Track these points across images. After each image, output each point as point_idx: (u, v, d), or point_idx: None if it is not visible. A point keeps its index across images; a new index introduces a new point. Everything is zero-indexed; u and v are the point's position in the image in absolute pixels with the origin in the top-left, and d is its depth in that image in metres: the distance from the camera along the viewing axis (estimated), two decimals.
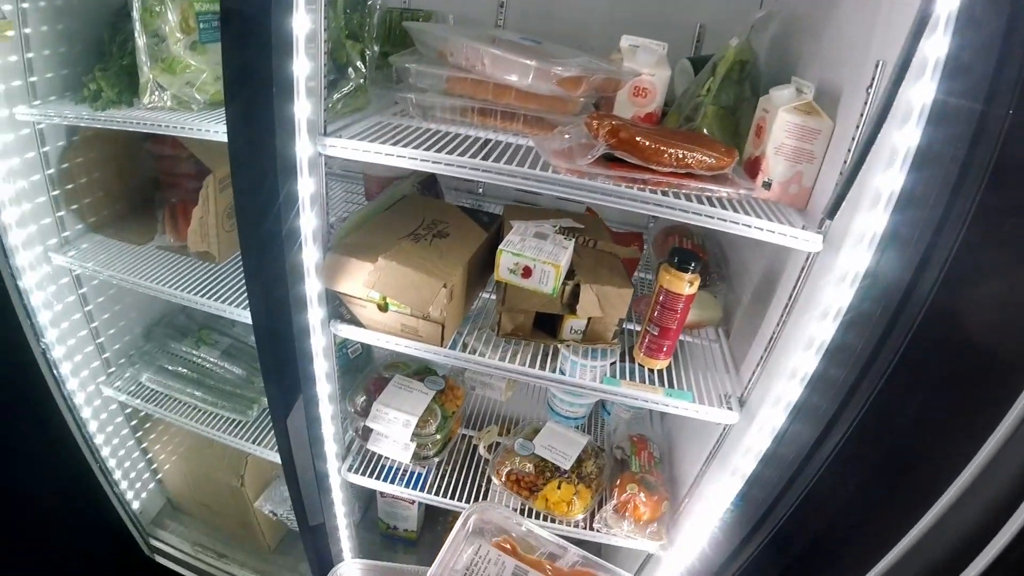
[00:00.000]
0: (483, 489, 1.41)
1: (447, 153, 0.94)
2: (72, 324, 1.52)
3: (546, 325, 1.19)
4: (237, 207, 0.93)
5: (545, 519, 1.34)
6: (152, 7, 1.09)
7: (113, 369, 1.64)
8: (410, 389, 1.39)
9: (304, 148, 0.93)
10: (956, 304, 0.82)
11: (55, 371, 1.51)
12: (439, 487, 1.41)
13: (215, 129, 1.06)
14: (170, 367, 1.58)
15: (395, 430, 1.32)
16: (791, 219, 0.93)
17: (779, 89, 0.99)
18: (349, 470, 1.40)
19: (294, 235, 0.98)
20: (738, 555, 1.17)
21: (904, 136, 0.76)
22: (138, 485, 1.80)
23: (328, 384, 1.21)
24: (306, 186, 0.96)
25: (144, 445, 1.78)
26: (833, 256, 0.88)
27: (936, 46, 0.71)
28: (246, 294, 1.27)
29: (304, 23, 0.84)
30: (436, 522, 1.90)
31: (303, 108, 0.90)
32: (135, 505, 1.79)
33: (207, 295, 1.28)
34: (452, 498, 1.39)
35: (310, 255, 1.02)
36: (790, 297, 1.00)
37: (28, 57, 1.22)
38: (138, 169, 1.50)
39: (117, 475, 1.69)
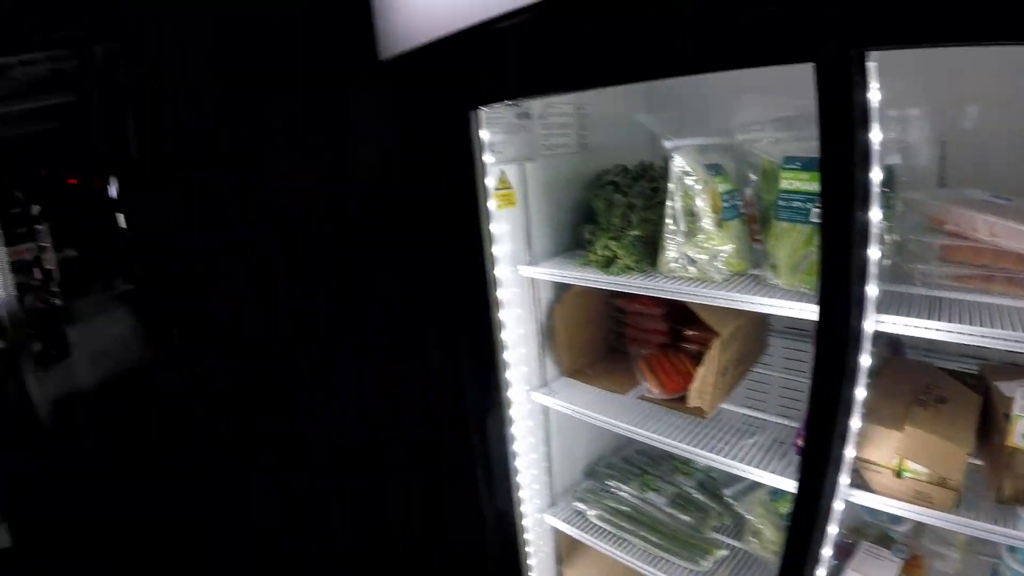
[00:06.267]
0: None
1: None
2: (537, 457, 1.83)
3: None
4: (818, 384, 1.10)
5: None
6: (689, 189, 1.33)
7: (558, 503, 1.89)
8: (879, 557, 1.38)
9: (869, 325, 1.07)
10: None
11: (516, 494, 1.80)
12: None
13: (744, 300, 1.25)
14: (615, 506, 1.76)
15: None
16: None
17: None
18: None
19: (848, 405, 1.10)
20: None
21: None
22: None
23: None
24: (865, 360, 1.09)
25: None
26: None
27: None
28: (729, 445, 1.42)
29: (877, 214, 1.02)
30: None
31: (872, 290, 1.05)
32: None
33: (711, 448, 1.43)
34: None
35: (856, 422, 1.13)
36: None
37: (527, 221, 1.62)
38: (602, 323, 1.85)
39: None
